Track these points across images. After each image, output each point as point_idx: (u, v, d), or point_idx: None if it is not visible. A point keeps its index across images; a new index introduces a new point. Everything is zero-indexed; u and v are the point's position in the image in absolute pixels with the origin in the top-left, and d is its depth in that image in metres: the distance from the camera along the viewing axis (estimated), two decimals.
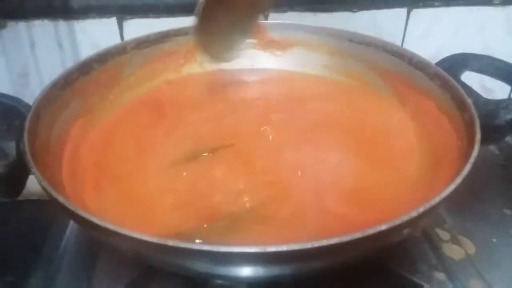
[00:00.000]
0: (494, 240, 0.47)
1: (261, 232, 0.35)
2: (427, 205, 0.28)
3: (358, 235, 0.26)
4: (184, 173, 0.41)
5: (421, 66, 0.46)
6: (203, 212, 0.36)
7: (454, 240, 0.47)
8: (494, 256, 0.45)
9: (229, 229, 0.35)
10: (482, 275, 0.43)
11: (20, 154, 0.37)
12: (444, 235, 0.47)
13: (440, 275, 0.43)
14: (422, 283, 0.38)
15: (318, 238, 0.26)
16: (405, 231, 0.29)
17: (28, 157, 0.32)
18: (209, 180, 0.40)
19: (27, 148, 0.33)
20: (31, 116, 0.37)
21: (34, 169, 0.31)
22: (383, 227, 0.27)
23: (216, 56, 0.50)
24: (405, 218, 0.28)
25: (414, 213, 0.28)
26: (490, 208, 0.51)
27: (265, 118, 0.48)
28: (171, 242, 0.26)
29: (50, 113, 0.40)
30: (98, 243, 0.44)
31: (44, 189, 0.30)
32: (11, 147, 0.37)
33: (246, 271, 0.30)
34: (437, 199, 0.29)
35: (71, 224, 0.48)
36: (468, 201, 0.50)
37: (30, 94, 0.53)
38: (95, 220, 0.27)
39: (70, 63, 0.65)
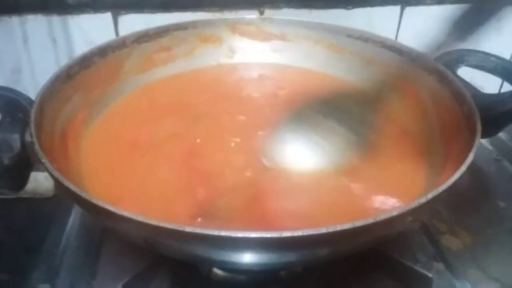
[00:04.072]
0: (489, 231, 0.48)
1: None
2: (437, 190, 0.29)
3: (370, 220, 0.27)
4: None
5: (420, 61, 0.47)
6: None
7: (451, 232, 0.48)
8: (490, 246, 0.46)
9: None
10: (479, 265, 0.44)
11: (24, 146, 0.37)
12: (441, 226, 0.48)
13: (439, 265, 0.44)
14: (425, 272, 0.39)
15: None
16: (415, 217, 0.30)
17: (37, 147, 0.32)
18: (213, 162, 0.41)
19: (35, 139, 0.33)
20: (36, 108, 0.36)
21: (44, 159, 0.31)
22: (395, 212, 0.27)
23: None
24: (415, 204, 0.28)
25: (423, 199, 0.29)
26: (485, 200, 0.52)
27: (264, 109, 0.49)
28: (188, 228, 0.26)
29: (53, 106, 0.40)
30: (100, 238, 0.44)
31: (55, 178, 0.30)
32: (15, 139, 0.37)
33: (249, 258, 0.30)
34: (444, 186, 0.30)
35: (72, 220, 0.48)
36: (464, 194, 0.51)
37: (23, 90, 0.52)
38: (110, 208, 0.27)
39: (63, 59, 0.64)
